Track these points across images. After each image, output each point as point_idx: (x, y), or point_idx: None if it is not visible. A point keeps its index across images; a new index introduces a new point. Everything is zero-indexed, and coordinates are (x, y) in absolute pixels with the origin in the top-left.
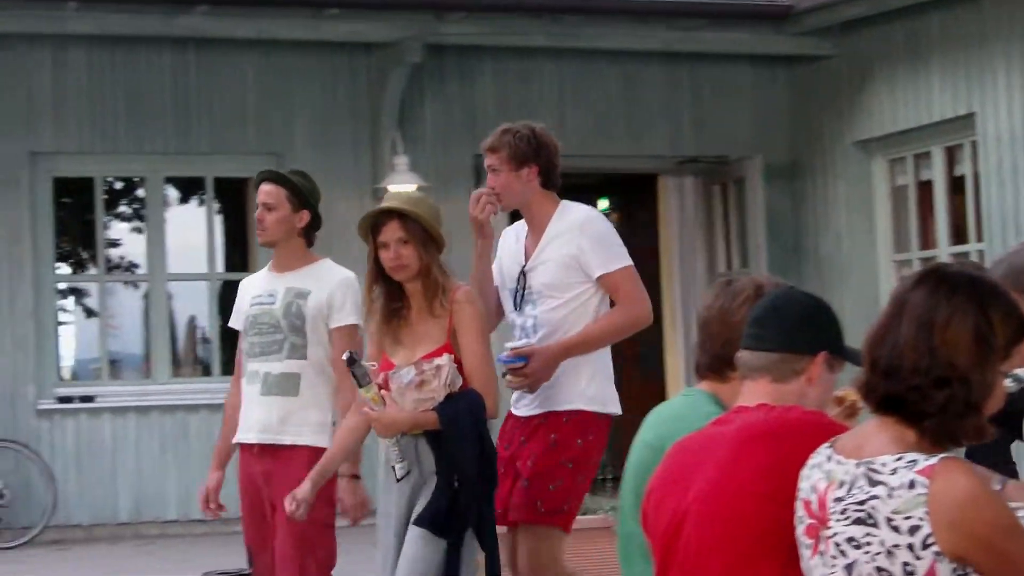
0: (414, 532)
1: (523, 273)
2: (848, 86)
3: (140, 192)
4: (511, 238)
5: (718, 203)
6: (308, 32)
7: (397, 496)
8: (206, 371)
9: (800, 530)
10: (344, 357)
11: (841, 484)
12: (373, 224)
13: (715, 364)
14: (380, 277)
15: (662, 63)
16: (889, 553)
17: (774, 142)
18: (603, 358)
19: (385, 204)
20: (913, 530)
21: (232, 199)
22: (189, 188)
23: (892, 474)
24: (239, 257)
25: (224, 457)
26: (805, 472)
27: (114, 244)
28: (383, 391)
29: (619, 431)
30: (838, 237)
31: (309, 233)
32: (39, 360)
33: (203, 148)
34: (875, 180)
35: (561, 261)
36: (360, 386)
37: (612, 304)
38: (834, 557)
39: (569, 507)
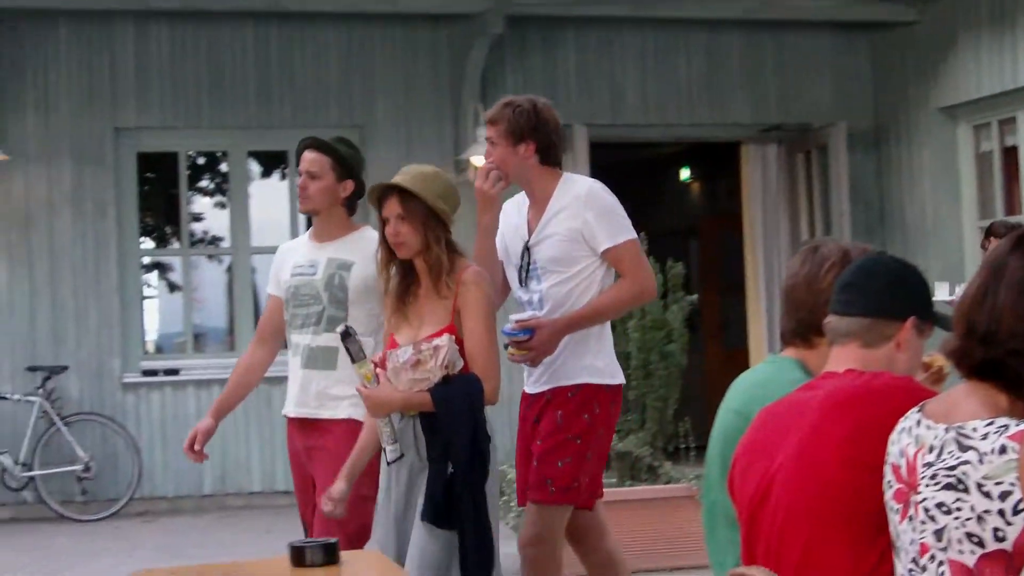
0: (419, 525)
1: (527, 248)
2: (932, 52)
3: (223, 166)
4: (512, 212)
5: (801, 171)
6: (389, 5)
7: (395, 478)
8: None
9: (889, 495)
10: (338, 330)
11: (931, 449)
12: (379, 199)
13: (801, 330)
14: (394, 255)
15: (744, 31)
16: (980, 519)
17: (857, 109)
18: (605, 329)
19: (392, 180)
20: (1004, 495)
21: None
22: (271, 162)
23: (983, 439)
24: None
25: (222, 409)
26: (894, 437)
27: (197, 218)
28: (378, 369)
29: (703, 400)
30: (922, 204)
31: (352, 202)
32: (124, 334)
33: (285, 122)
34: (959, 146)
35: (566, 235)
36: (353, 361)
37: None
38: (923, 522)
39: (580, 483)
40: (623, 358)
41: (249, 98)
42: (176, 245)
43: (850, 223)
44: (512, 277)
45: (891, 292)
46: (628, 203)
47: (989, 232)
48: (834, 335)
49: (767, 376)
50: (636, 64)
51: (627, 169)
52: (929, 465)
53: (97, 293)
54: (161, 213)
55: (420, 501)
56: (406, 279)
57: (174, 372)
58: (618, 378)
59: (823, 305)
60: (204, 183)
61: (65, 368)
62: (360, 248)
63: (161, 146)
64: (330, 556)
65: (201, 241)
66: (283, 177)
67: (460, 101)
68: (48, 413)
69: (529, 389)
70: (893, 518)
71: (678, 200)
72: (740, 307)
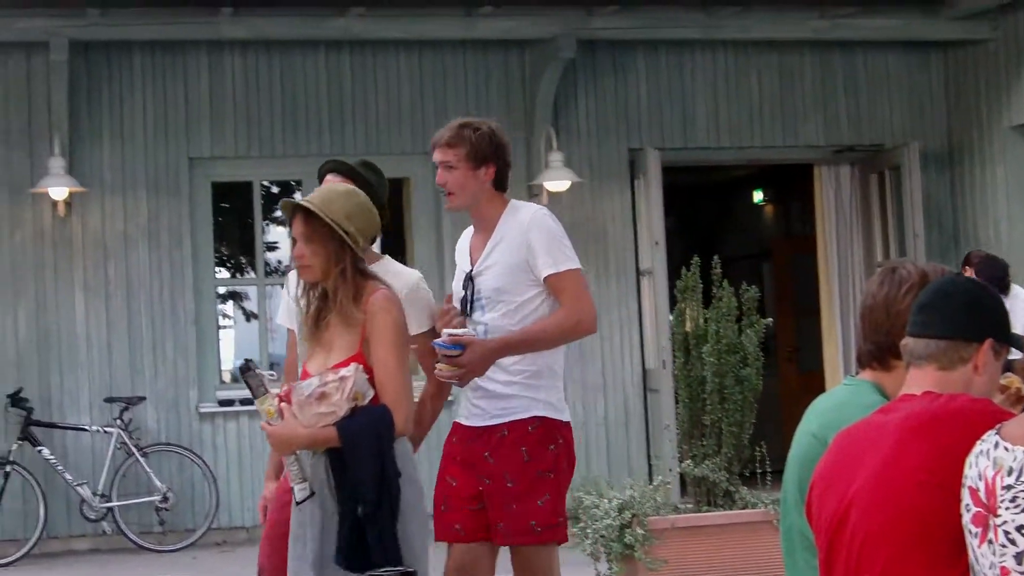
0: (334, 569)
1: (471, 278)
2: (1005, 70)
3: (297, 196)
4: (458, 248)
5: (875, 192)
6: (461, 31)
7: (308, 519)
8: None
9: (967, 518)
10: (238, 365)
11: (1010, 471)
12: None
13: (878, 353)
14: None
15: (815, 52)
16: None
17: (931, 128)
18: (556, 367)
19: (302, 198)
20: None
21: (388, 200)
22: None
23: None
24: (397, 257)
25: (277, 468)
26: (971, 459)
27: (272, 247)
28: (282, 404)
29: (778, 425)
30: (997, 223)
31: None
32: (200, 364)
33: (358, 149)
34: None
35: (511, 263)
36: (255, 397)
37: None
38: (1003, 545)
39: (562, 518)
40: (698, 383)
41: (322, 126)
42: (251, 274)
43: (924, 244)
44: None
45: (968, 314)
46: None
47: (965, 261)
48: (911, 357)
49: (844, 399)
50: (707, 86)
51: (699, 192)
52: (1009, 488)
53: (173, 323)
54: (236, 242)
55: (334, 541)
56: (323, 304)
57: (250, 401)
58: (568, 415)
59: (901, 327)
60: (278, 212)
61: (142, 399)
62: (389, 282)
63: (235, 176)
64: None
65: (276, 271)
66: None
67: (532, 126)
68: (126, 444)
69: (472, 422)
70: (972, 541)
71: (751, 223)
72: (814, 330)
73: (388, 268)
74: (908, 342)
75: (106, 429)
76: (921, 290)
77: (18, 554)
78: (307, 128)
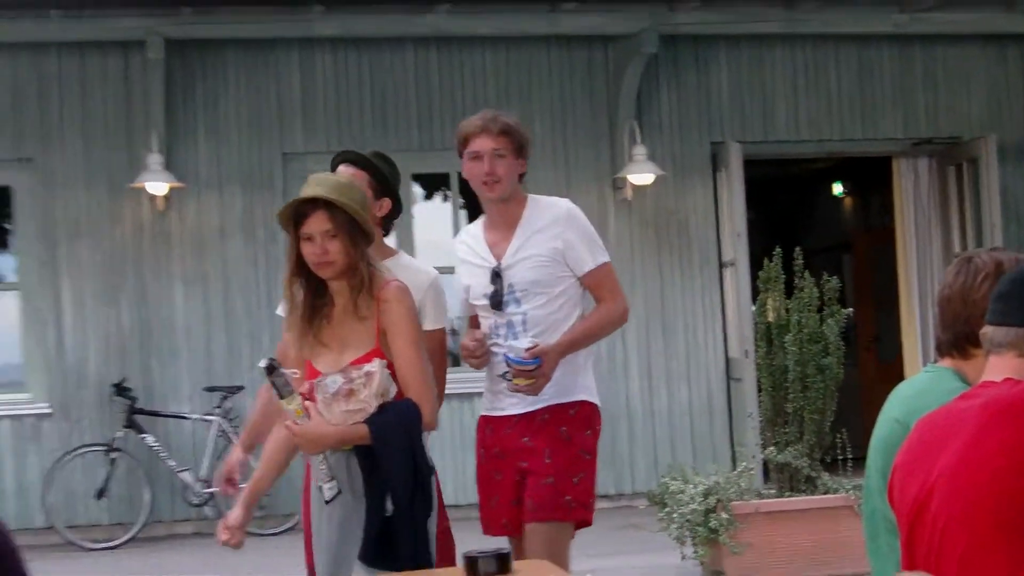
0: (358, 566)
1: (498, 272)
2: None
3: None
4: (464, 247)
5: (952, 184)
6: (546, 27)
7: (326, 517)
8: (455, 362)
9: None
10: (262, 364)
11: None
12: (296, 214)
13: (957, 341)
14: (301, 272)
15: (894, 46)
16: None
17: (1008, 121)
18: (591, 350)
19: (309, 191)
20: None
21: (474, 193)
22: (433, 183)
23: None
24: None
25: (253, 439)
26: None
27: None
28: (307, 402)
29: (858, 412)
30: None
31: (388, 223)
32: None
33: (446, 144)
34: None
35: (549, 255)
36: (281, 397)
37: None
38: None
39: (591, 500)
40: (781, 372)
41: (410, 121)
42: None
43: (1002, 235)
44: (483, 304)
45: None
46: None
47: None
48: (991, 345)
49: (926, 386)
50: (787, 80)
51: (779, 185)
52: None
53: (269, 314)
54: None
55: (355, 539)
56: (314, 299)
57: None
58: (597, 398)
59: (978, 316)
60: None
61: (241, 388)
62: (403, 277)
63: (327, 170)
64: (503, 565)
65: None
66: (445, 198)
67: (616, 121)
68: (226, 432)
69: (509, 411)
70: None
71: (831, 215)
72: (893, 320)
73: (403, 263)
74: (987, 330)
75: (206, 417)
76: (996, 279)
77: (125, 537)
78: (396, 123)
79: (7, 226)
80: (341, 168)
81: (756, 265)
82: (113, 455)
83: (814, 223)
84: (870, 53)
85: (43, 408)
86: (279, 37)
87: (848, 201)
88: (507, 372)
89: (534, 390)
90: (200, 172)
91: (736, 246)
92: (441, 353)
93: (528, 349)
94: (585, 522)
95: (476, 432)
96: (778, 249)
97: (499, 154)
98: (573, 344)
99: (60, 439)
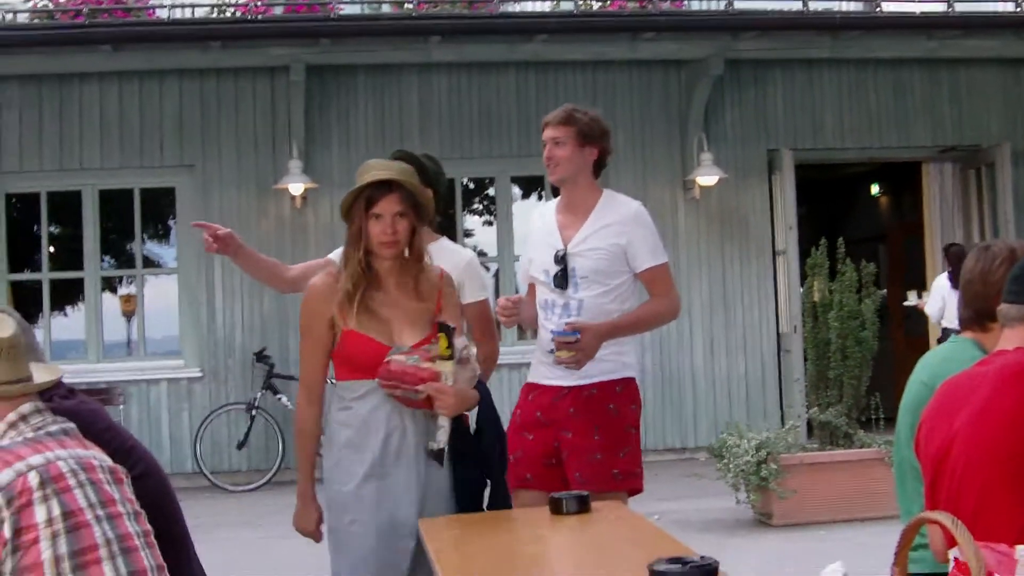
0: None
1: (565, 255)
2: None
3: (490, 191)
4: (538, 220)
5: (973, 185)
6: (628, 52)
7: (393, 469)
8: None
9: None
10: (439, 321)
11: None
12: (362, 196)
13: (977, 317)
14: (357, 253)
15: (924, 68)
16: None
17: (1020, 131)
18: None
19: (382, 174)
20: None
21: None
22: (530, 185)
23: None
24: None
25: (248, 255)
26: None
27: (469, 234)
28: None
29: (890, 378)
30: None
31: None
32: None
33: (541, 151)
34: None
35: (612, 250)
36: (450, 357)
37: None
38: None
39: (639, 468)
40: (824, 344)
41: (511, 132)
42: None
43: (1015, 227)
44: (544, 280)
45: None
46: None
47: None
48: (1005, 320)
49: (950, 354)
50: (834, 97)
51: (825, 186)
52: None
53: None
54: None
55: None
56: (363, 280)
57: None
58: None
59: (995, 295)
60: (475, 204)
61: None
62: (445, 257)
63: None
64: (583, 506)
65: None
66: (540, 198)
67: (687, 131)
68: None
69: (557, 382)
70: None
71: (869, 211)
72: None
73: (444, 246)
74: (1003, 307)
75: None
76: (1011, 264)
77: (262, 480)
78: (499, 134)
79: (171, 222)
80: None
81: (804, 254)
82: (253, 412)
83: (854, 218)
84: (903, 74)
85: (195, 372)
86: (402, 63)
87: (884, 199)
88: (552, 347)
89: (577, 364)
90: (333, 175)
91: (787, 238)
92: (487, 321)
93: (568, 322)
94: (636, 489)
95: (519, 394)
96: (823, 240)
97: (558, 141)
98: (617, 329)
99: (209, 399)
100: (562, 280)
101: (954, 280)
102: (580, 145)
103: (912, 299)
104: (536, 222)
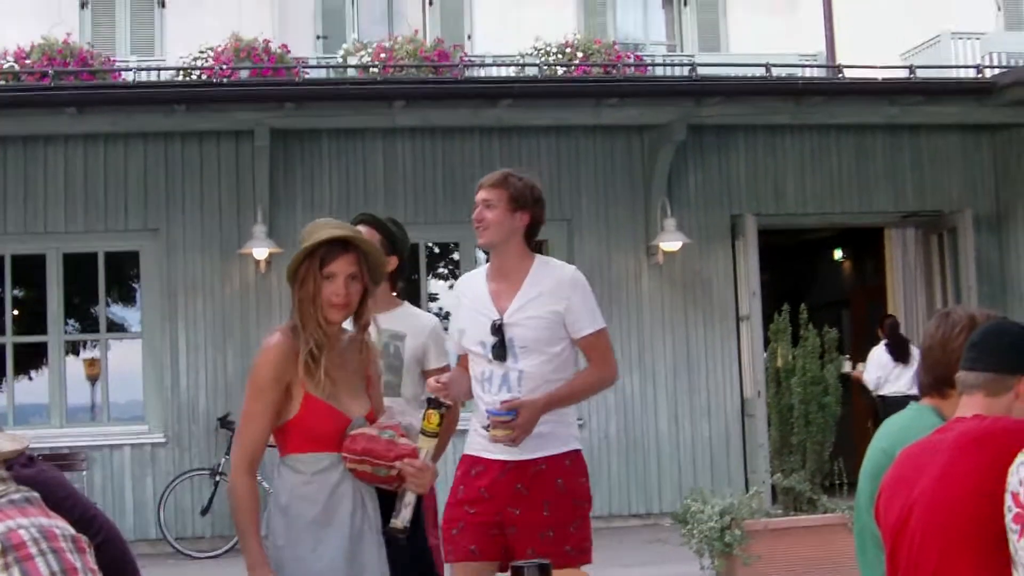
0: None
1: (502, 325)
2: None
3: (455, 255)
4: (468, 288)
5: (935, 250)
6: (591, 119)
7: (375, 548)
8: None
9: (1009, 518)
10: (435, 399)
11: None
12: (312, 256)
13: (936, 384)
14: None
15: (886, 134)
16: None
17: (982, 197)
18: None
19: (338, 232)
20: None
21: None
22: None
23: None
24: None
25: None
26: (1013, 468)
27: (433, 298)
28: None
29: (852, 444)
30: None
31: (395, 278)
32: None
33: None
34: None
35: (550, 317)
36: (430, 434)
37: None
38: None
39: (589, 542)
40: (787, 409)
41: (475, 197)
42: None
43: (976, 293)
44: (479, 352)
45: (1011, 351)
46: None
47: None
48: (963, 387)
49: (909, 422)
50: (796, 162)
51: (788, 251)
52: None
53: None
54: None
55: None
56: (324, 338)
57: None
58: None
59: (955, 362)
60: (440, 268)
61: None
62: (410, 322)
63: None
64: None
65: (440, 316)
66: None
67: (650, 196)
68: None
69: (505, 456)
70: (1012, 537)
71: (832, 276)
72: None
73: (408, 311)
74: (961, 374)
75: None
76: (971, 331)
77: (226, 547)
78: (463, 198)
79: (135, 285)
80: (359, 228)
81: (768, 319)
82: (217, 478)
83: (818, 283)
84: (865, 140)
85: (159, 438)
86: (366, 127)
87: (847, 264)
88: (488, 424)
89: (513, 441)
90: (297, 239)
91: (751, 303)
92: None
93: (504, 401)
94: (585, 563)
95: (457, 468)
96: (786, 305)
97: (489, 204)
98: (555, 401)
99: (172, 464)
100: (500, 351)
101: (891, 350)
102: (511, 210)
103: (847, 367)
104: (465, 292)
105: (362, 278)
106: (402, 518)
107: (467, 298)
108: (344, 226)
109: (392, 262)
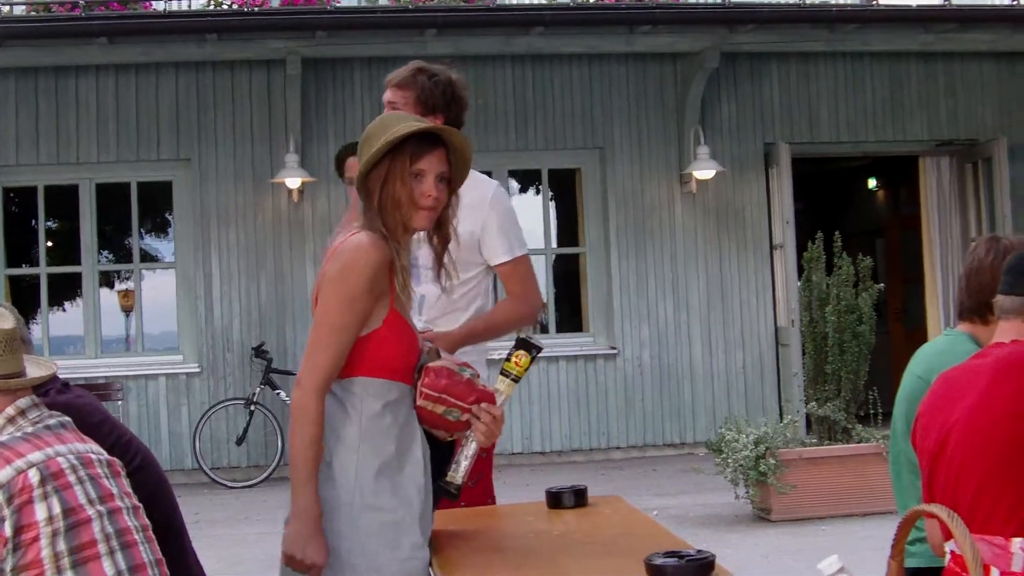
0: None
1: None
2: None
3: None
4: None
5: (970, 179)
6: (624, 46)
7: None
8: (543, 328)
9: None
10: (526, 339)
11: None
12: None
13: (979, 308)
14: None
15: (921, 61)
16: None
17: (1018, 125)
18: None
19: (423, 125)
20: None
21: (563, 186)
22: (527, 178)
23: None
24: (569, 235)
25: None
26: None
27: None
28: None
29: (887, 372)
30: None
31: None
32: None
33: (539, 145)
34: None
35: (463, 238)
36: (516, 380)
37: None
38: None
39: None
40: (822, 338)
41: (508, 126)
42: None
43: (1011, 223)
44: None
45: None
46: (824, 208)
47: None
48: (1001, 311)
49: (945, 347)
50: (830, 90)
51: (822, 180)
52: None
53: None
54: None
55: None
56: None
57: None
58: None
59: (996, 287)
60: None
61: None
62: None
63: None
64: (580, 499)
65: None
66: (537, 192)
67: (683, 124)
68: None
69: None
70: None
71: (866, 205)
72: (918, 294)
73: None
74: (999, 299)
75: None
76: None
77: (260, 477)
78: (495, 128)
79: (168, 215)
80: (349, 160)
81: (802, 248)
82: (251, 408)
83: (851, 212)
84: (900, 68)
85: (193, 368)
86: (398, 56)
87: (881, 193)
88: None
89: None
90: (329, 169)
91: (785, 231)
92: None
93: (420, 333)
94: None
95: None
96: (820, 234)
97: (394, 107)
98: (472, 336)
99: (207, 394)
100: None
101: None
102: (420, 114)
103: None
104: None
105: (451, 180)
106: (462, 471)
107: None
108: (423, 120)
109: None
